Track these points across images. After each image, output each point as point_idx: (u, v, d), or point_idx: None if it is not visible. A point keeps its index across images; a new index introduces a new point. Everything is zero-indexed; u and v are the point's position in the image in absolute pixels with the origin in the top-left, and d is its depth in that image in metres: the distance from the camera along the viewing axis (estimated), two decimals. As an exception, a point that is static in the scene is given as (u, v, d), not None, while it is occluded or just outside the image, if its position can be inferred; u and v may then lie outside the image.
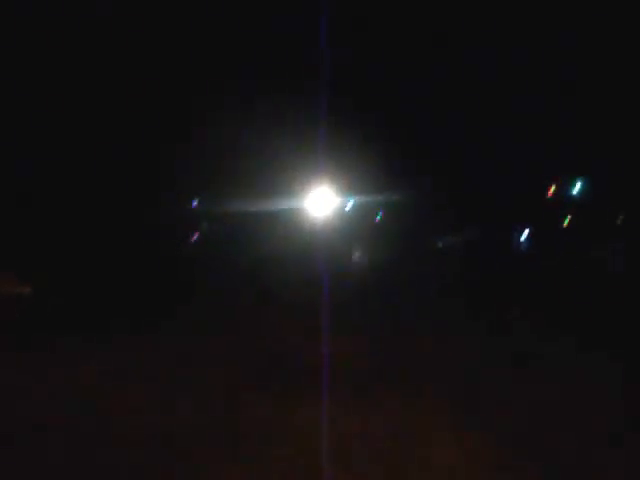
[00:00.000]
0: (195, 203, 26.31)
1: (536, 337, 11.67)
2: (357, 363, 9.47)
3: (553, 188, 40.88)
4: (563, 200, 40.11)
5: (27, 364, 9.15)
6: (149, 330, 12.11)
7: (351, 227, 36.09)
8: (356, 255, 32.45)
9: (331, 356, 9.58)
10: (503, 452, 5.84)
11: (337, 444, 6.00)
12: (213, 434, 6.31)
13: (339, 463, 5.59)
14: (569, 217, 39.57)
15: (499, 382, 8.27)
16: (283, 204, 27.31)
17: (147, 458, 5.70)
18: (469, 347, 10.67)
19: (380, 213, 44.56)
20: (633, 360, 9.56)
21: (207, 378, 8.42)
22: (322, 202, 28.85)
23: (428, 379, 8.38)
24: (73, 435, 6.23)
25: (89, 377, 8.46)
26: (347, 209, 36.31)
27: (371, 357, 9.92)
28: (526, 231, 42.38)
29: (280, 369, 8.96)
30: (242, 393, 7.72)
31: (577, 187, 39.62)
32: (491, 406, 7.22)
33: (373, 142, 28.27)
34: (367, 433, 6.37)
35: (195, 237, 26.34)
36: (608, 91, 23.85)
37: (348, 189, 30.39)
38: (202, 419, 6.73)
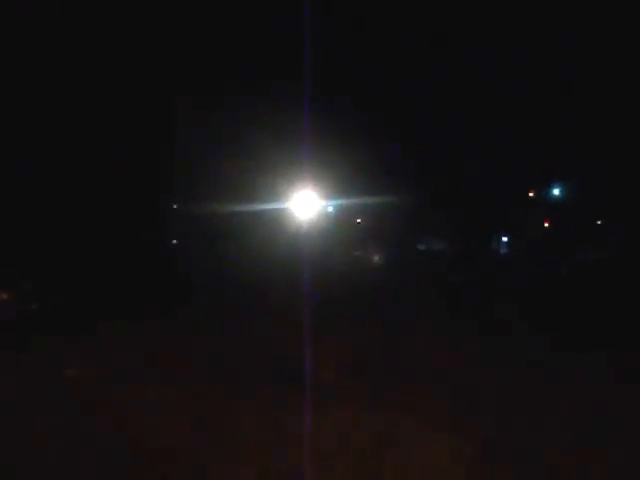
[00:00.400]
0: (185, 205, 26.51)
1: (532, 337, 11.84)
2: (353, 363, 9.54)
3: (536, 193, 41.59)
4: (548, 204, 40.85)
5: (26, 364, 9.16)
6: (146, 327, 12.26)
7: (334, 228, 36.36)
8: (340, 255, 32.79)
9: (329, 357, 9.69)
10: (503, 459, 5.80)
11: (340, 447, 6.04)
12: (212, 435, 6.30)
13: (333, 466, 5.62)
14: (554, 221, 40.28)
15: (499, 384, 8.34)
16: (269, 206, 27.55)
17: (146, 459, 5.71)
18: (468, 347, 10.78)
19: (361, 216, 44.89)
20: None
21: (207, 379, 8.40)
22: (306, 204, 29.12)
23: (428, 380, 8.40)
24: (72, 435, 6.23)
25: (88, 378, 8.44)
26: (329, 211, 36.54)
27: (366, 356, 9.95)
28: (510, 236, 43.12)
29: (278, 371, 8.87)
30: (242, 397, 7.67)
31: (561, 191, 40.37)
32: (491, 409, 7.24)
33: (358, 147, 28.51)
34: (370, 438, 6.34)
35: (185, 237, 26.46)
36: (606, 95, 24.22)
37: (332, 192, 30.66)
38: (201, 423, 6.65)
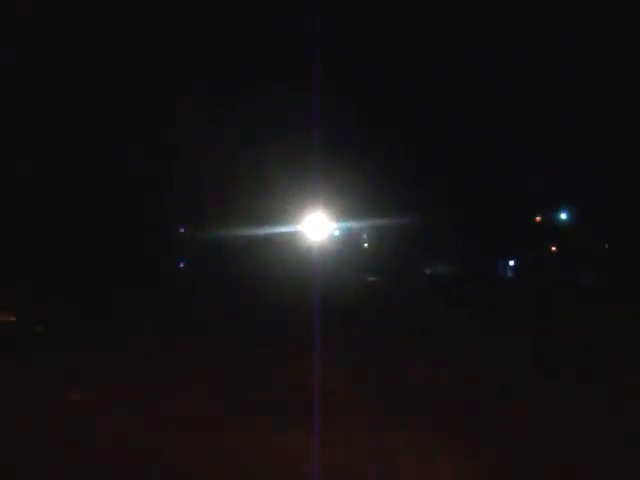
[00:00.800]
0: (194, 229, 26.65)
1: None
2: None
3: (544, 217, 41.34)
4: (556, 228, 40.57)
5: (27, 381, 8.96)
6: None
7: (341, 252, 36.14)
8: (347, 277, 32.63)
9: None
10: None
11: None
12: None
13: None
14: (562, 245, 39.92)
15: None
16: (281, 228, 27.69)
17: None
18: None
19: (368, 240, 44.80)
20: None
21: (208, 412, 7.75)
22: (317, 226, 29.15)
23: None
24: (71, 452, 6.00)
25: (89, 396, 8.17)
26: (337, 233, 36.34)
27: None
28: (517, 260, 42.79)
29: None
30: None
31: (568, 215, 40.12)
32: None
33: (367, 171, 28.49)
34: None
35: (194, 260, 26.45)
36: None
37: (341, 215, 30.63)
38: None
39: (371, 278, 37.33)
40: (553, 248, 42.64)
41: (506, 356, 11.02)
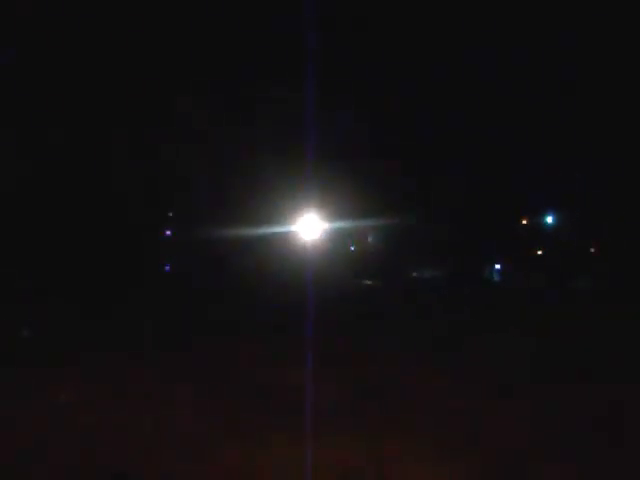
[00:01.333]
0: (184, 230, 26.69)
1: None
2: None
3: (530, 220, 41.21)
4: (542, 232, 40.46)
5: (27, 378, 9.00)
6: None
7: (329, 253, 36.17)
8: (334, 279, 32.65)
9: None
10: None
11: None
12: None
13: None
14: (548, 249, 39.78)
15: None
16: (276, 228, 27.79)
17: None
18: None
19: (356, 241, 44.78)
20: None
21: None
22: (310, 227, 29.28)
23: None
24: (71, 452, 5.98)
25: (88, 396, 8.15)
26: (323, 236, 36.29)
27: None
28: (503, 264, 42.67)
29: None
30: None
31: (554, 219, 40.00)
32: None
33: (357, 168, 28.51)
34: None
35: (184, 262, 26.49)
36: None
37: (332, 216, 30.68)
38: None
39: (359, 278, 37.29)
40: (539, 252, 42.49)
41: (506, 356, 11.03)
